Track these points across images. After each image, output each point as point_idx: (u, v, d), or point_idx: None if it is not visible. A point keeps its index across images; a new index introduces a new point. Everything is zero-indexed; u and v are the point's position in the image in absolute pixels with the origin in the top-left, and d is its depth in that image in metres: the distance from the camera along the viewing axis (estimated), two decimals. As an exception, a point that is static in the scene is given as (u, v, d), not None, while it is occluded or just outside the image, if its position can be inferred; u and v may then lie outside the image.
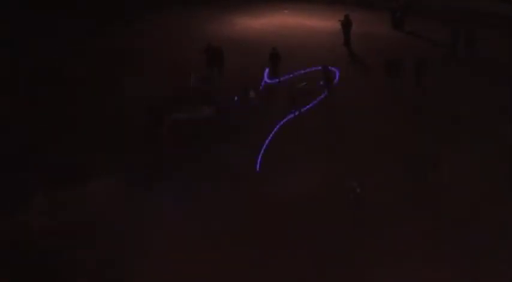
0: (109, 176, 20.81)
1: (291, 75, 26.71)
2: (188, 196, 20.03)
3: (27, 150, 22.24)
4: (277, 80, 26.60)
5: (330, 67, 26.20)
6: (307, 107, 24.51)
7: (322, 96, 25.27)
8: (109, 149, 22.23)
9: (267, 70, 26.85)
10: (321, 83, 25.67)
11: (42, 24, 32.71)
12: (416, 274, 16.94)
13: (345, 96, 25.89)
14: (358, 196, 18.60)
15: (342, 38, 30.68)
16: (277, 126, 23.28)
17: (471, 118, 23.93)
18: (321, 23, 33.22)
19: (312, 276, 17.02)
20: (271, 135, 22.76)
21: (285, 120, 23.71)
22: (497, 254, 17.41)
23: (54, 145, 22.54)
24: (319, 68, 26.30)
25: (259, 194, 20.08)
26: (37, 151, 22.23)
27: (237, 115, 24.07)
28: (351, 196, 18.65)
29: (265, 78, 26.65)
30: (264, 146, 22.22)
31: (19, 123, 24.02)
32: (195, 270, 17.17)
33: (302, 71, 26.78)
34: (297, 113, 24.08)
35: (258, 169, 21.25)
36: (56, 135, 23.19)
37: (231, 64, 27.38)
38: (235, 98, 24.57)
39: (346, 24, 30.55)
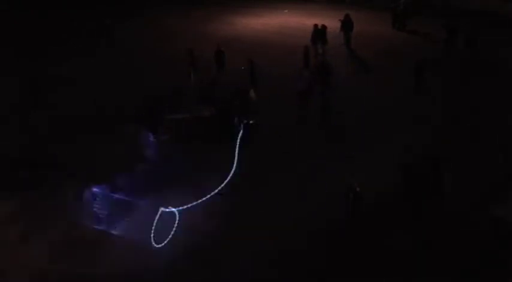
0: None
1: None
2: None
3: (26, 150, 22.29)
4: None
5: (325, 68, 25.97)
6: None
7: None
8: (107, 149, 22.21)
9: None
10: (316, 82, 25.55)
11: (36, 21, 32.95)
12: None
13: (345, 95, 25.84)
14: (358, 195, 18.54)
15: (342, 37, 30.70)
16: None
17: (471, 118, 23.87)
18: (321, 23, 33.21)
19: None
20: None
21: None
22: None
23: (54, 145, 22.56)
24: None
25: (257, 193, 20.05)
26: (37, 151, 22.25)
27: (236, 115, 24.02)
28: (350, 195, 18.59)
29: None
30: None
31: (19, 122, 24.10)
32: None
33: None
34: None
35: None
36: (53, 134, 23.23)
37: (232, 64, 27.34)
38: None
39: (346, 24, 30.58)
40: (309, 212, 19.10)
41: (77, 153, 21.78)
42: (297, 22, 33.17)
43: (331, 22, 31.63)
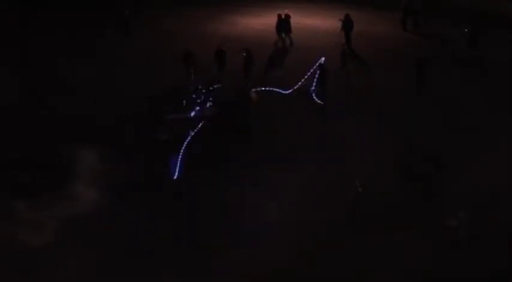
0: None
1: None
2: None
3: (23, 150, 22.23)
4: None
5: (324, 64, 25.93)
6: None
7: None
8: (107, 148, 22.15)
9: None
10: (316, 79, 25.52)
11: (41, 23, 32.93)
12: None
13: (345, 94, 25.82)
14: (359, 195, 18.53)
15: (342, 37, 30.69)
16: None
17: (472, 118, 23.85)
18: (321, 22, 33.23)
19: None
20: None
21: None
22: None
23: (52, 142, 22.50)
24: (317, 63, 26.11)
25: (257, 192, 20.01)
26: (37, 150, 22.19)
27: (237, 115, 23.99)
28: (352, 195, 18.59)
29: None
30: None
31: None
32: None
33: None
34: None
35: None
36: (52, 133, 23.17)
37: (233, 64, 27.31)
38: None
39: (347, 23, 30.58)
40: (310, 212, 19.09)
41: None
42: (297, 22, 33.01)
43: (332, 22, 31.66)
